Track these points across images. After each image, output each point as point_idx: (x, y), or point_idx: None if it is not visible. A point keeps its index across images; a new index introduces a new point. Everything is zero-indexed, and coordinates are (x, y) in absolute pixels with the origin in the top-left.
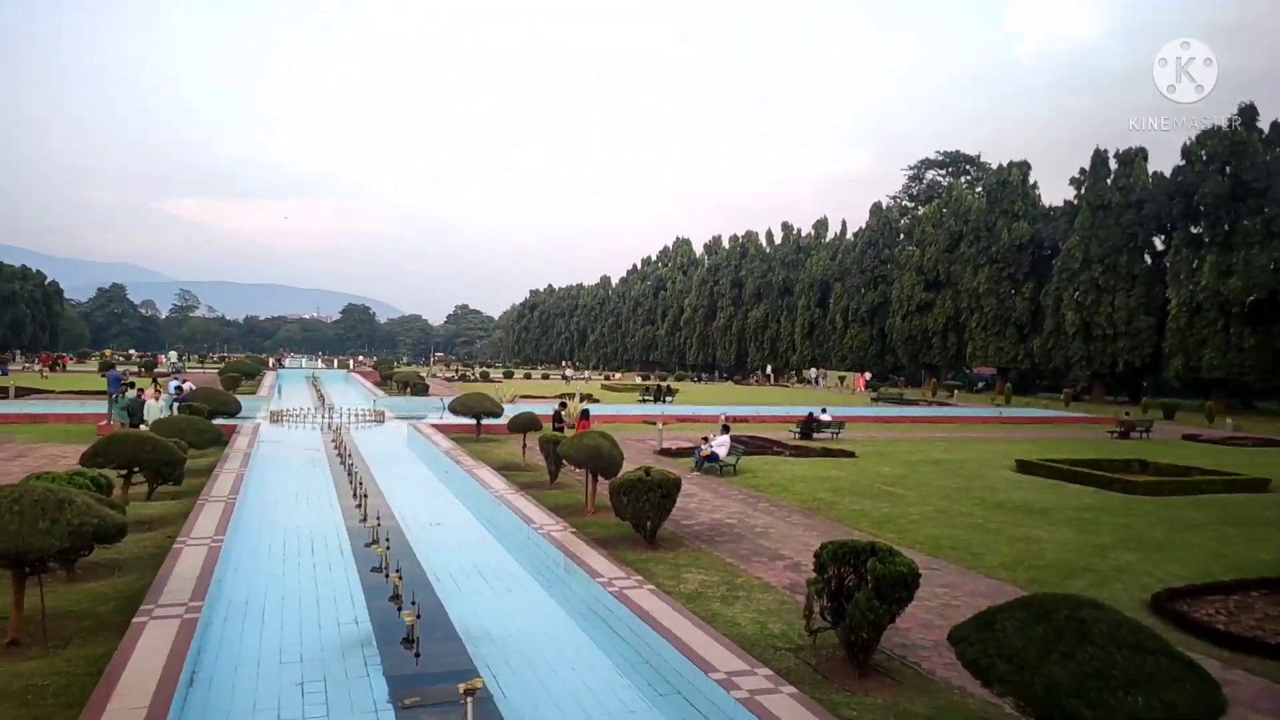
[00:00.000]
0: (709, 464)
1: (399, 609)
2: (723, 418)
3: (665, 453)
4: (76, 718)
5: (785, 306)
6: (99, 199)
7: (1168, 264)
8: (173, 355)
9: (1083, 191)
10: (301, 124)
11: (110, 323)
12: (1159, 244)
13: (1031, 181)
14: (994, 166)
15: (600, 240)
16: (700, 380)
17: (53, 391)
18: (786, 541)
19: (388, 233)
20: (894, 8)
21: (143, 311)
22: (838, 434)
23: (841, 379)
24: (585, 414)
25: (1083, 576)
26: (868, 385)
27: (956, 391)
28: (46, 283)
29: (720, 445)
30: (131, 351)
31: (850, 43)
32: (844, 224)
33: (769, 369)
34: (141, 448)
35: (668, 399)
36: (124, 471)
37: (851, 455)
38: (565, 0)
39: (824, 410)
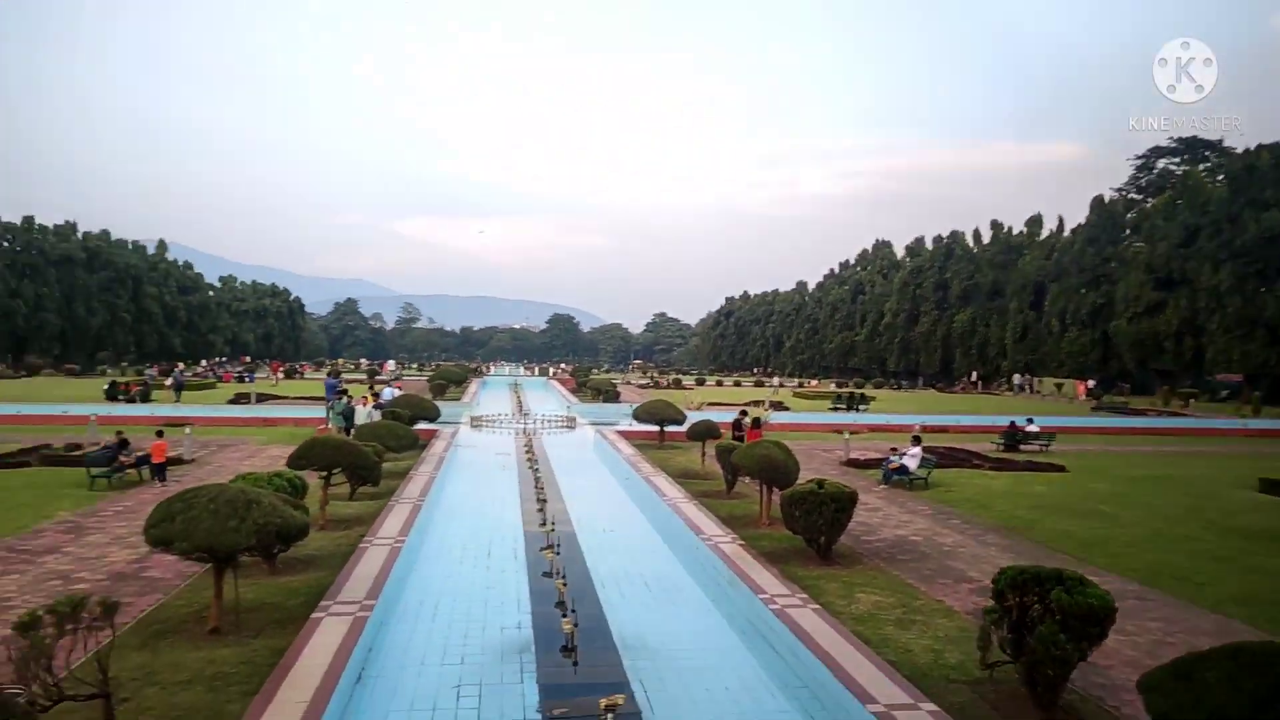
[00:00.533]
0: (898, 477)
1: (562, 615)
2: (917, 427)
3: (852, 464)
4: (249, 705)
5: (995, 309)
6: (341, 222)
7: None
8: (391, 364)
9: None
10: (516, 144)
11: (345, 334)
12: None
13: None
14: (1239, 151)
15: (792, 246)
16: (900, 388)
17: (286, 397)
18: (976, 563)
19: (593, 244)
20: None
21: (372, 324)
22: (1047, 446)
23: (1059, 386)
24: (756, 423)
25: None
26: (1089, 393)
27: (1192, 400)
28: (291, 299)
29: (910, 457)
30: (361, 360)
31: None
32: (1060, 220)
33: (974, 376)
34: (339, 451)
35: (861, 407)
36: (324, 473)
37: (1061, 470)
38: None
39: (1029, 420)
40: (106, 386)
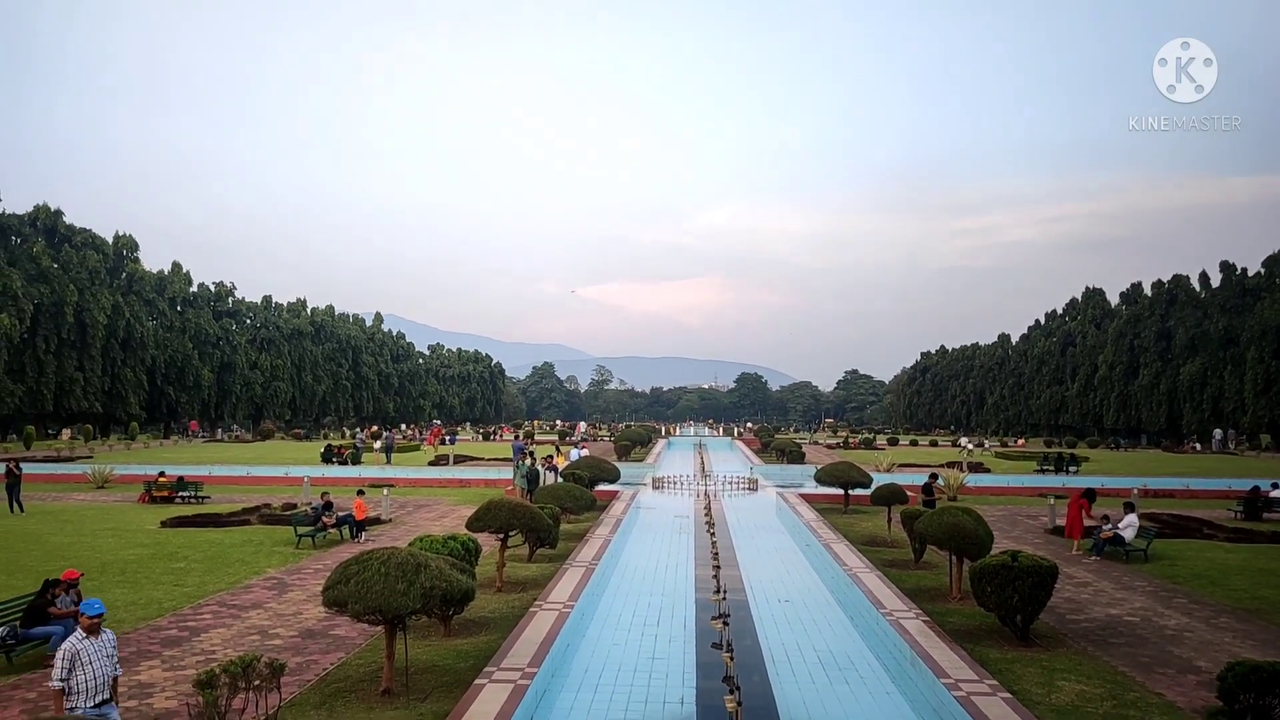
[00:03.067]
0: (1111, 548)
1: (728, 691)
2: (1135, 492)
3: (1058, 532)
4: None
5: (1229, 359)
6: (540, 291)
7: None
8: (583, 425)
9: None
10: (700, 204)
11: (541, 396)
12: None
13: None
14: None
15: (988, 297)
16: (1118, 447)
17: (482, 459)
18: (1206, 650)
19: (781, 303)
20: None
21: (567, 386)
22: None
23: None
24: (1089, 494)
25: None
26: None
27: None
28: (493, 364)
29: (1126, 526)
30: (556, 421)
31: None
32: None
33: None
34: (514, 514)
35: (1072, 469)
36: (501, 535)
37: None
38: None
39: (1275, 485)
40: (322, 450)
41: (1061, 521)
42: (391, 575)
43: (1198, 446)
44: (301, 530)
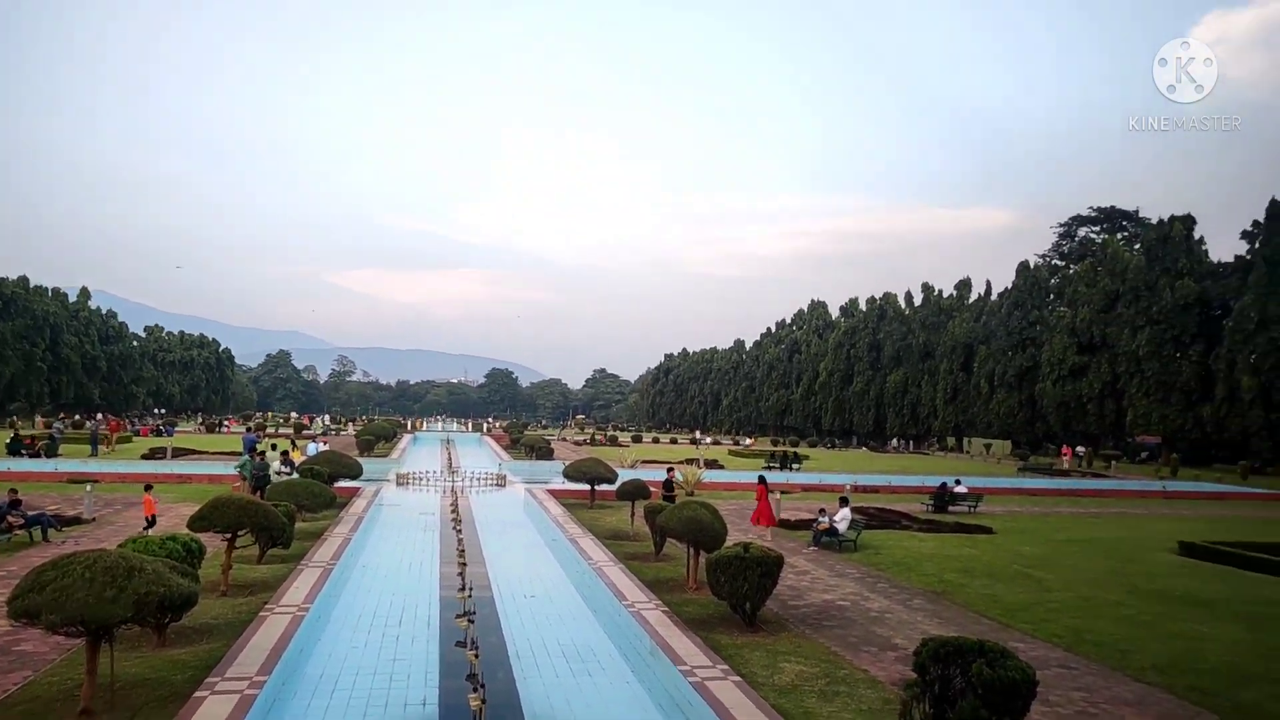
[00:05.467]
0: (827, 538)
1: (472, 690)
2: (848, 487)
3: (784, 524)
4: None
5: (926, 370)
6: (276, 273)
7: None
8: (325, 419)
9: (1257, 246)
10: (458, 197)
11: (275, 387)
12: None
13: (1197, 237)
14: (1154, 221)
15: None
16: (834, 447)
17: (205, 452)
18: (903, 629)
19: (535, 299)
20: (1032, 59)
21: (305, 376)
22: (975, 508)
23: (987, 447)
24: (762, 480)
25: (1256, 686)
26: (1014, 454)
27: (1114, 462)
28: (220, 350)
29: (840, 519)
30: (291, 414)
31: (992, 94)
32: (988, 284)
33: (895, 439)
34: (245, 512)
35: (795, 466)
36: (228, 535)
37: (989, 531)
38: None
39: (958, 481)
40: (9, 440)
41: (786, 516)
42: (99, 581)
43: (896, 446)
44: None
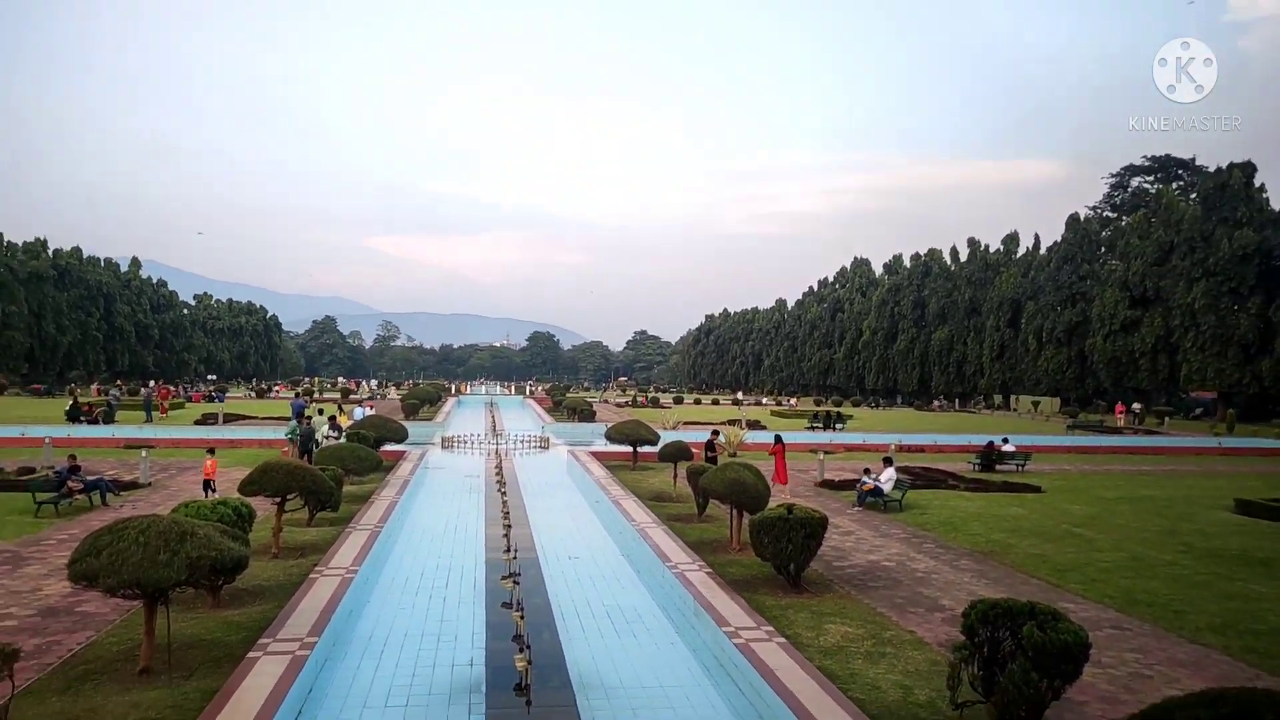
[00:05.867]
0: (872, 499)
1: (518, 650)
2: (892, 447)
3: (826, 485)
4: None
5: (972, 327)
6: (316, 238)
7: None
8: (373, 383)
9: None
10: (497, 160)
11: (322, 352)
12: None
13: (1257, 184)
14: (1211, 170)
15: (771, 263)
16: (879, 406)
17: (255, 417)
18: (950, 589)
19: (575, 262)
20: (1075, 4)
21: (350, 342)
22: (1023, 466)
23: (1035, 405)
24: (778, 440)
25: None
26: (1063, 412)
27: (1168, 419)
28: (268, 316)
29: (885, 479)
30: (339, 379)
31: (1034, 39)
32: (1036, 238)
33: (940, 397)
34: (293, 476)
35: (838, 426)
36: (278, 499)
37: (1038, 490)
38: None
39: (1005, 440)
40: (68, 407)
41: (830, 476)
42: (152, 545)
43: (942, 404)
44: (42, 498)
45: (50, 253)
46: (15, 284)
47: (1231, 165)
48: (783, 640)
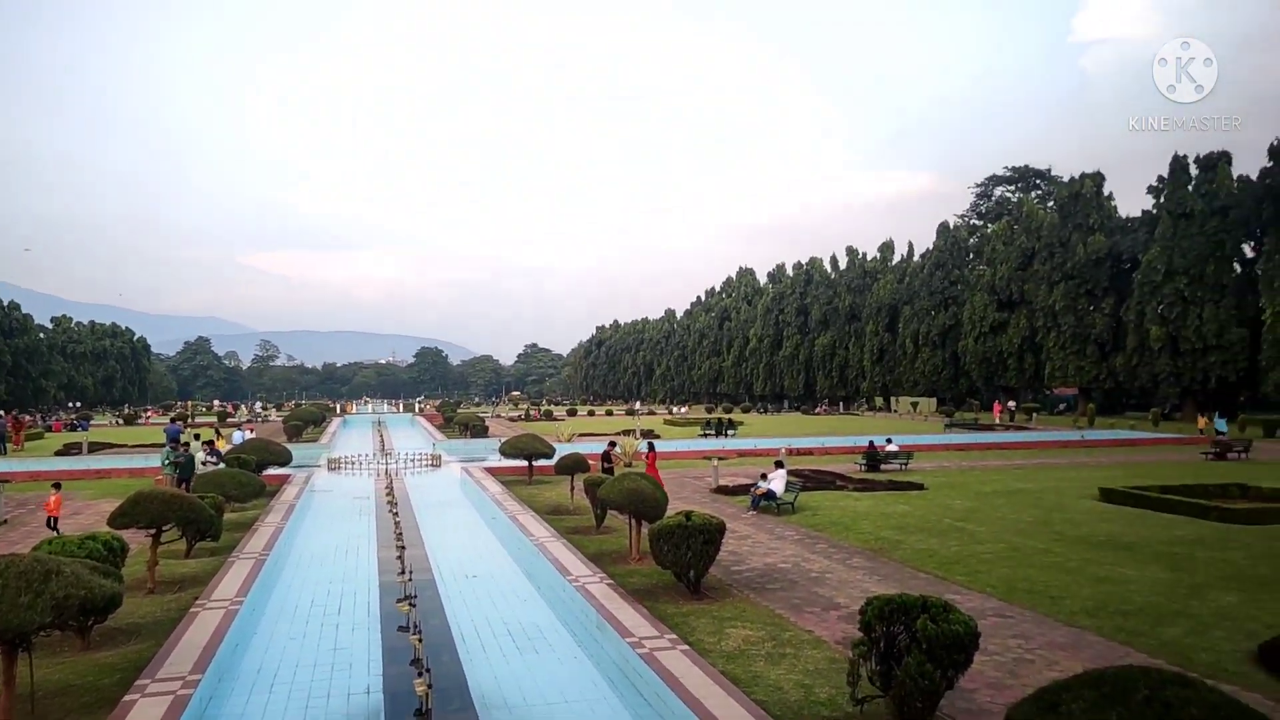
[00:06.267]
0: (765, 502)
1: (417, 675)
2: (783, 450)
3: (722, 490)
4: None
5: (853, 332)
6: (187, 256)
7: (1260, 271)
8: (256, 405)
9: (1162, 200)
10: (377, 177)
11: (196, 375)
12: (1249, 251)
13: (1106, 193)
14: (1065, 179)
15: (660, 277)
16: (767, 412)
17: (124, 446)
18: (844, 588)
19: (458, 278)
20: (946, 25)
21: (226, 363)
22: (906, 465)
23: (914, 405)
24: (651, 448)
25: (1176, 623)
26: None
27: (1035, 415)
28: (135, 339)
29: (776, 481)
30: (215, 402)
31: (902, 60)
32: (910, 245)
33: (825, 401)
34: (169, 506)
35: (730, 432)
36: (153, 531)
37: (920, 488)
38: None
39: (889, 440)
40: None
41: (724, 481)
42: (11, 587)
43: (825, 408)
44: None
45: None
46: None
47: (1083, 175)
48: (685, 647)
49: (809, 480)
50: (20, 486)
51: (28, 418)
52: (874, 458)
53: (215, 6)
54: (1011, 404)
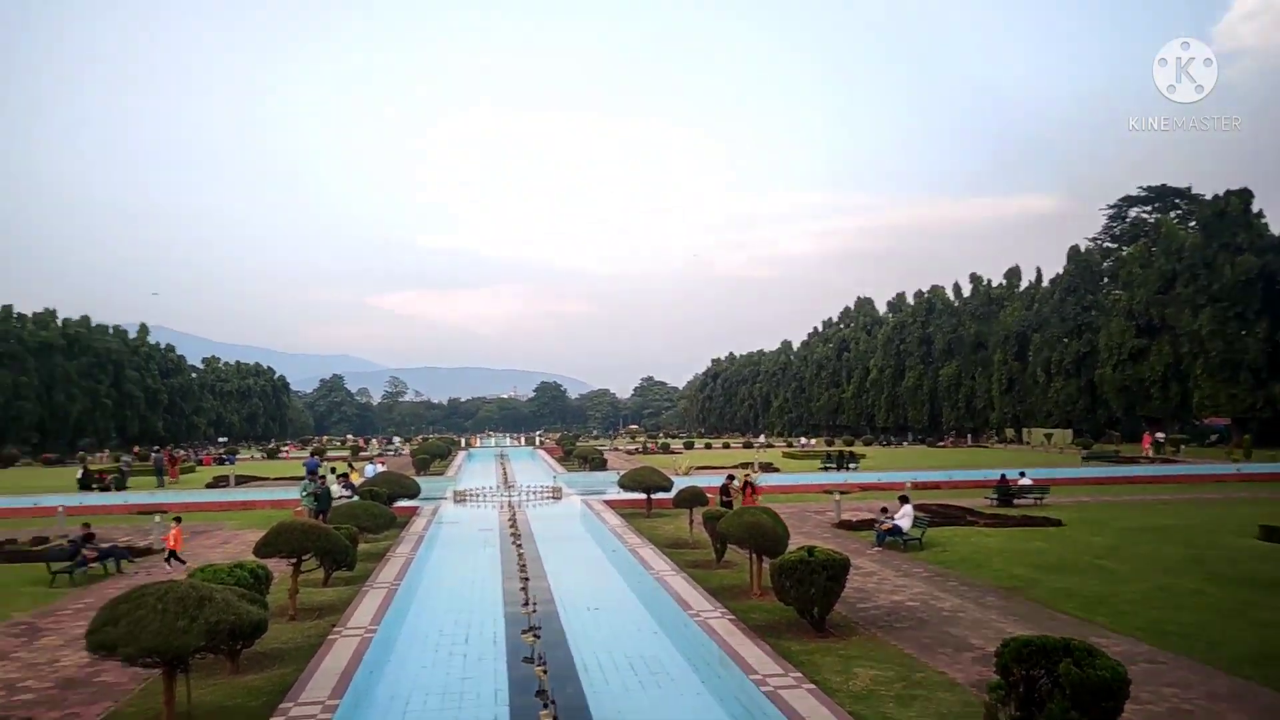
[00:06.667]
0: (891, 538)
1: (542, 706)
2: (908, 484)
3: (844, 525)
4: None
5: (980, 361)
6: (318, 298)
7: None
8: (396, 440)
9: None
10: (494, 215)
11: (331, 411)
12: None
13: (1255, 210)
14: (1208, 198)
15: (772, 305)
16: (890, 444)
17: (267, 479)
18: (978, 628)
19: (575, 311)
20: (1059, 41)
21: (358, 399)
22: (1041, 499)
23: (1048, 437)
24: (749, 485)
25: None
26: (1075, 443)
27: (1183, 446)
28: (275, 377)
29: (903, 517)
30: (348, 437)
31: (1023, 78)
32: (1038, 271)
33: (952, 433)
34: (308, 536)
35: (851, 465)
36: (293, 560)
37: (1058, 524)
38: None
39: (1022, 473)
40: (80, 475)
41: (847, 516)
42: (170, 612)
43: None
44: (56, 567)
45: (60, 322)
46: (26, 354)
47: (1229, 192)
48: (811, 686)
49: (936, 515)
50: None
51: (181, 453)
52: (1006, 492)
53: (333, 62)
54: (1160, 435)
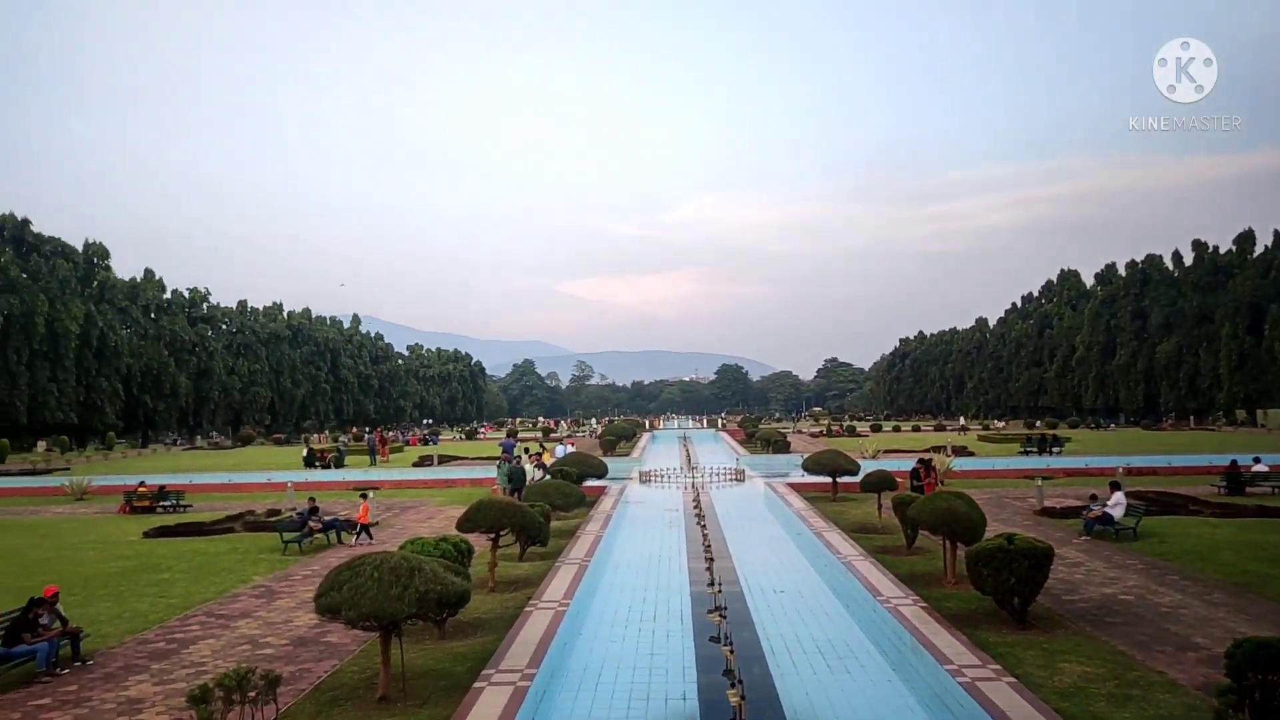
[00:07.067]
0: (1101, 527)
1: (730, 685)
2: (1120, 470)
3: (1046, 513)
4: None
5: (1204, 336)
6: (513, 286)
7: None
8: (592, 421)
9: None
10: (675, 197)
11: (523, 394)
12: None
13: None
14: None
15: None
16: (1099, 427)
17: (466, 458)
18: (1202, 626)
19: (756, 293)
20: None
21: (548, 383)
22: (1278, 489)
23: None
24: (927, 467)
25: None
26: None
27: None
28: (473, 363)
29: (1114, 505)
30: (539, 418)
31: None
32: (1276, 234)
33: (1171, 414)
34: (505, 513)
35: (1055, 449)
36: (492, 535)
37: None
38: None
39: (1257, 459)
40: (304, 454)
41: (1050, 504)
42: (385, 580)
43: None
44: (288, 536)
45: (285, 315)
46: (258, 345)
47: None
48: (1012, 680)
49: (1153, 503)
50: (386, 493)
51: (391, 434)
52: (1237, 479)
53: (518, 63)
54: None
